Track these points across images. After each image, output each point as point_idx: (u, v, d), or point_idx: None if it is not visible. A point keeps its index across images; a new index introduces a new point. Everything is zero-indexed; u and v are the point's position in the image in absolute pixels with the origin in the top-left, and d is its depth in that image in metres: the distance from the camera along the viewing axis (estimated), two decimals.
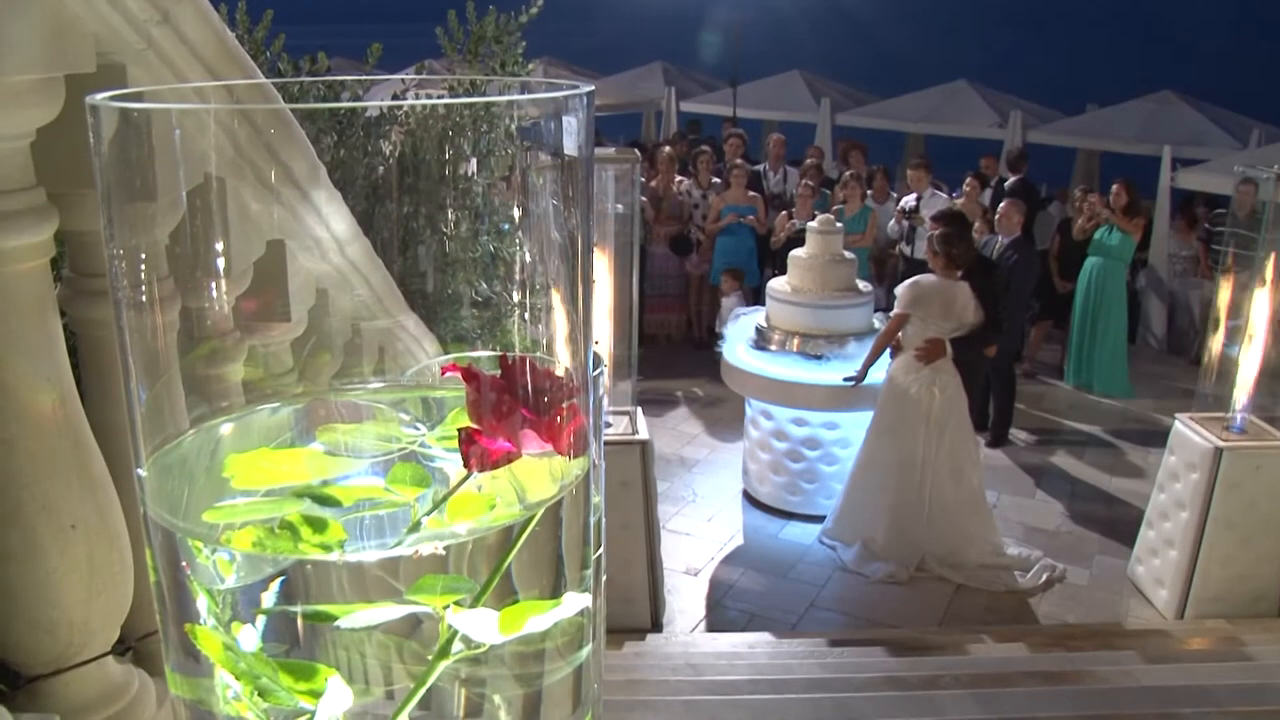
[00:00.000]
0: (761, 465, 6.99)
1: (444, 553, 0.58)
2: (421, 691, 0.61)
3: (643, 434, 5.30)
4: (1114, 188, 9.29)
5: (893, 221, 9.85)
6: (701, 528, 6.72)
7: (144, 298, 0.64)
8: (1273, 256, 5.58)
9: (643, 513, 5.26)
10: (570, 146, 0.59)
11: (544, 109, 0.60)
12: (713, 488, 7.32)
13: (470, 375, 0.55)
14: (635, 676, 4.34)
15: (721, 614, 5.73)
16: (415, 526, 0.59)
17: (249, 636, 0.61)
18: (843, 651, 5.03)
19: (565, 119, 0.58)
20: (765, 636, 5.39)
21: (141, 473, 0.63)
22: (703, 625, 5.62)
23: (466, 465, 0.57)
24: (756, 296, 9.16)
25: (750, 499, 7.10)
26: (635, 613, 5.33)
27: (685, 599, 5.85)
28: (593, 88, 0.60)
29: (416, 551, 0.58)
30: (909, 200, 9.70)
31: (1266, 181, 5.69)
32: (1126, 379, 9.31)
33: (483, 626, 0.59)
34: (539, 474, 0.61)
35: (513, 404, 0.54)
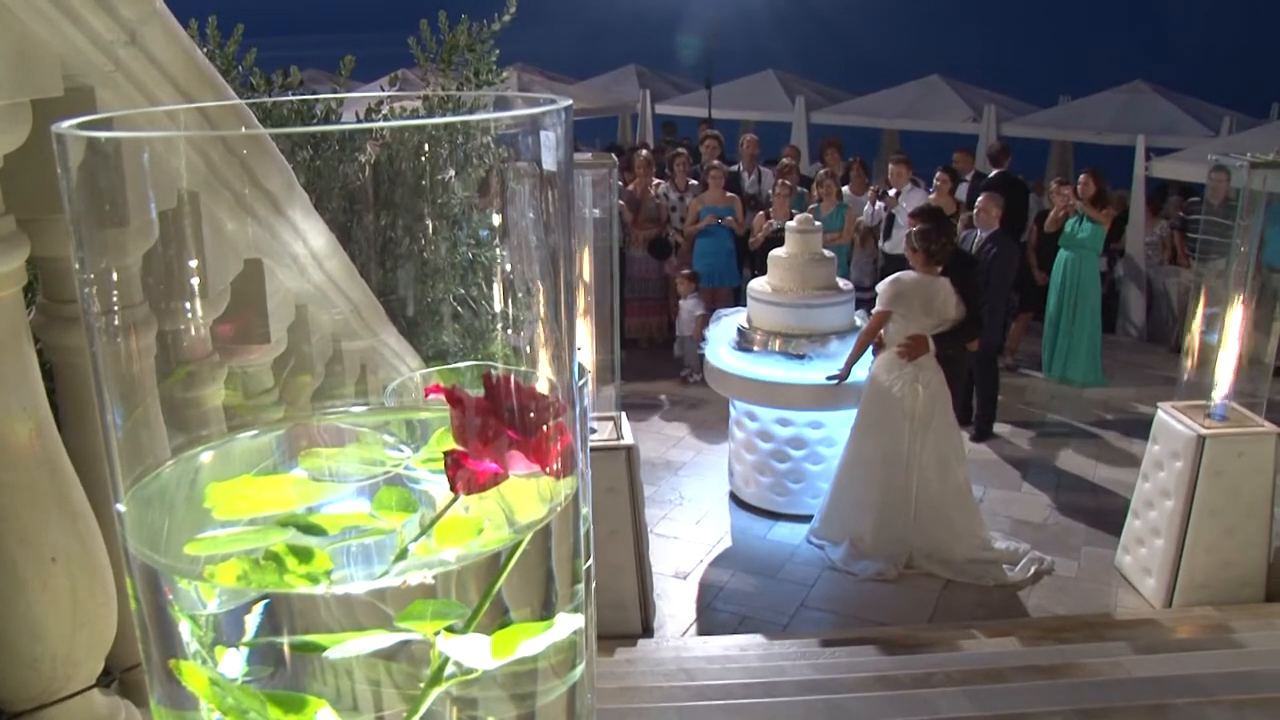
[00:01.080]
0: (747, 466, 6.99)
1: (433, 581, 0.57)
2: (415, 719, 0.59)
3: (628, 439, 5.29)
4: (1081, 178, 9.35)
5: (868, 205, 9.85)
6: (689, 531, 6.71)
7: (117, 323, 0.62)
8: (1247, 243, 5.61)
9: (630, 518, 5.25)
10: (549, 161, 0.58)
11: (522, 124, 0.59)
12: (699, 490, 7.33)
13: (454, 399, 0.54)
14: (628, 684, 4.33)
15: (712, 617, 5.72)
16: (403, 553, 0.58)
17: (234, 663, 0.60)
18: (834, 651, 5.03)
19: (544, 134, 0.57)
20: (757, 638, 5.38)
21: (120, 508, 0.61)
22: (693, 629, 5.61)
23: (453, 489, 0.55)
24: (737, 298, 9.17)
25: (737, 500, 7.11)
26: (626, 619, 5.32)
27: (675, 603, 5.84)
28: (570, 102, 0.58)
29: (404, 581, 0.57)
30: (890, 192, 9.72)
31: (1239, 169, 5.73)
32: (1100, 369, 9.35)
33: (475, 652, 0.58)
34: (527, 494, 0.60)
35: (498, 427, 0.52)
